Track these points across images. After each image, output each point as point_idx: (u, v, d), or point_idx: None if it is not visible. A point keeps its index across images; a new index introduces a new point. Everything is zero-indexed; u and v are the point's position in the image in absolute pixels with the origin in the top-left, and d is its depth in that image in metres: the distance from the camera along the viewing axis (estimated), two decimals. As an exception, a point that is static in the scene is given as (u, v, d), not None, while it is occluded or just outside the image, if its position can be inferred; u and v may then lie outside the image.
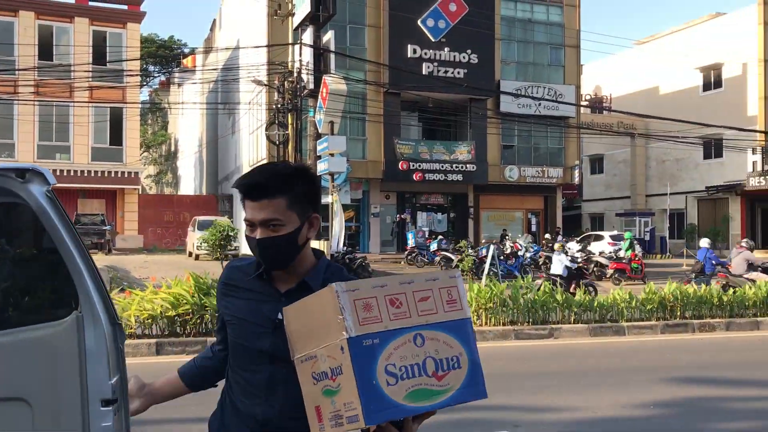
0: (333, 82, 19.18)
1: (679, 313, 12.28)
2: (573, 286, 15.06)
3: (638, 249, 25.11)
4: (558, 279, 15.54)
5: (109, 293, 2.35)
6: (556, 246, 17.81)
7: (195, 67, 47.52)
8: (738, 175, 36.54)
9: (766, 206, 37.58)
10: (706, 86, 40.66)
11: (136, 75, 33.12)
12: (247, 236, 1.98)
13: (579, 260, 23.74)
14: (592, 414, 6.42)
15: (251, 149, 32.65)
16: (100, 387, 2.12)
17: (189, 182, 52.57)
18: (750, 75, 37.68)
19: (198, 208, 35.11)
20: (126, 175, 32.56)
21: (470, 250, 22.63)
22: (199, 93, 39.87)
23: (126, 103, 31.83)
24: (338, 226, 20.44)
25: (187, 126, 51.48)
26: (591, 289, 15.08)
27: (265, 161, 28.72)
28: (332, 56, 20.69)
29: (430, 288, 1.71)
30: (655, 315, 12.13)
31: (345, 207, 21.33)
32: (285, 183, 1.93)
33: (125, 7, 33.19)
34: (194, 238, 26.30)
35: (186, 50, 52.81)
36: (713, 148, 38.12)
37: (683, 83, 41.35)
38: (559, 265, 16.08)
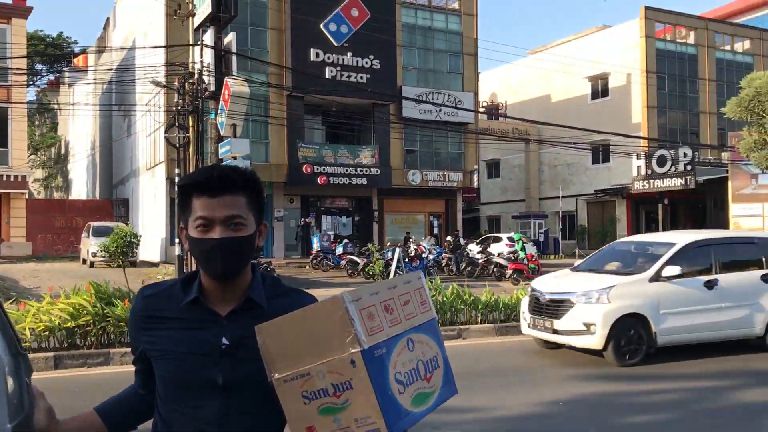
0: (235, 84, 18.86)
1: (577, 312, 12.83)
2: None
3: (532, 249, 26.05)
4: None
5: (8, 318, 1.97)
6: None
7: (87, 66, 45.47)
8: (624, 179, 38.64)
9: (649, 208, 39.93)
10: (594, 95, 42.82)
11: (23, 74, 31.30)
12: (197, 239, 1.74)
13: (479, 261, 24.55)
14: (507, 413, 6.63)
15: (149, 152, 31.60)
16: None
17: (81, 186, 50.25)
18: (634, 84, 39.96)
19: (92, 214, 33.58)
20: (12, 179, 30.71)
21: (377, 254, 22.79)
22: (91, 94, 38.18)
23: (11, 102, 30.01)
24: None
25: (79, 128, 49.22)
26: None
27: (163, 164, 27.89)
28: (234, 58, 20.34)
29: (408, 291, 1.71)
30: (556, 314, 12.61)
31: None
32: (245, 180, 1.78)
33: (9, 1, 31.37)
34: (89, 244, 25.21)
35: (77, 49, 50.48)
36: (601, 153, 40.15)
37: (573, 91, 43.37)
38: None
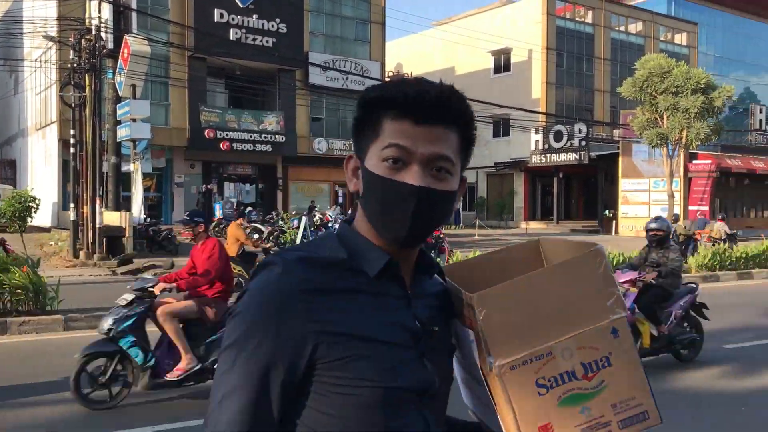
0: (135, 42, 18.15)
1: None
2: None
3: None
4: None
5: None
6: None
7: (-34, 15, 42.16)
8: (522, 153, 39.90)
9: (545, 182, 41.50)
10: (497, 69, 43.78)
11: None
12: (383, 178, 1.16)
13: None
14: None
15: (39, 111, 29.84)
16: None
17: (-41, 146, 46.85)
18: (534, 60, 41.14)
19: (-27, 175, 31.51)
20: None
21: (281, 221, 22.61)
22: (-29, 45, 35.48)
23: None
24: (139, 195, 19.53)
25: (-44, 82, 45.69)
26: None
27: (56, 124, 26.41)
28: (134, 15, 19.52)
29: None
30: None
31: (144, 175, 20.40)
32: (464, 113, 1.22)
33: None
34: (-29, 208, 23.63)
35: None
36: (502, 127, 41.22)
37: (477, 65, 44.17)
38: None
